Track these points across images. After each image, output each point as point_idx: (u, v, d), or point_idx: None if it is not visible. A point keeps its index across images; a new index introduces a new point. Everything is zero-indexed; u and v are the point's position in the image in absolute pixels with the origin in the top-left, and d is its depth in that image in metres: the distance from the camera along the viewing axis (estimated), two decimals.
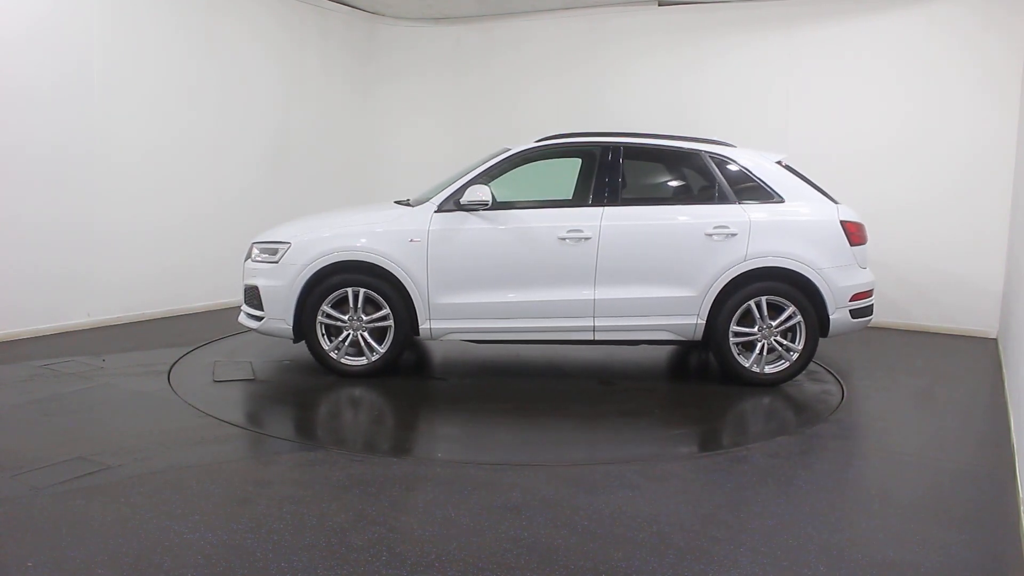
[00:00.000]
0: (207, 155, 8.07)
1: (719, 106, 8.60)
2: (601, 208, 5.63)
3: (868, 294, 5.74)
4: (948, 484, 4.12)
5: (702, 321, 5.58)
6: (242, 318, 5.90)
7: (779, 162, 5.86)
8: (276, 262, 5.68)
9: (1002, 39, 7.45)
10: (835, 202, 5.74)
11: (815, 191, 5.74)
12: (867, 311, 5.76)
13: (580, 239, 5.55)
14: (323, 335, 5.70)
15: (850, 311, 5.62)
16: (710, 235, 5.53)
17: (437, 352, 6.81)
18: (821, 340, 5.67)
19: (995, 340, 7.56)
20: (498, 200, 5.65)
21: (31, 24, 6.46)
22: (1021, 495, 3.80)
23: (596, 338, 5.66)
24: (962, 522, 3.59)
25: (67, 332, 6.82)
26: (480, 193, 5.54)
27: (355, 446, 4.50)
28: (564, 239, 5.56)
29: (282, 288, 5.62)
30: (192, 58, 7.83)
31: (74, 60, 6.79)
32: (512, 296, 5.61)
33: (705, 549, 3.23)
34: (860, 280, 5.67)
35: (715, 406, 5.35)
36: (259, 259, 5.77)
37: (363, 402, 5.57)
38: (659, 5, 8.87)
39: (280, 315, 5.65)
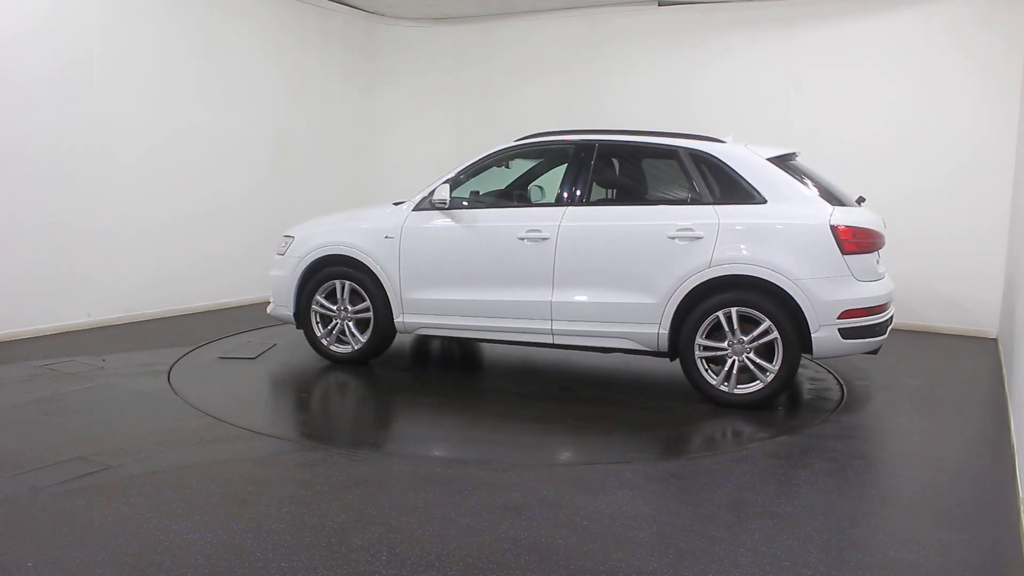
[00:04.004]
0: (207, 155, 8.07)
1: (720, 106, 8.59)
2: (563, 208, 5.49)
3: (867, 312, 5.01)
4: (948, 484, 4.12)
5: (664, 331, 5.18)
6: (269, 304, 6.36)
7: (786, 156, 5.46)
8: (283, 255, 6.18)
9: (1002, 38, 7.45)
10: (838, 203, 5.17)
11: (811, 191, 5.18)
12: (866, 331, 5.04)
13: (539, 239, 5.44)
14: (317, 323, 6.09)
15: (840, 330, 4.94)
16: (673, 238, 5.14)
17: (441, 347, 6.82)
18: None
19: (995, 340, 7.56)
20: (478, 198, 5.87)
21: (31, 23, 6.46)
22: (1021, 495, 3.80)
23: (555, 342, 5.52)
24: (962, 522, 3.59)
25: (67, 332, 6.82)
26: (442, 193, 5.62)
27: (344, 443, 4.50)
28: (523, 239, 5.48)
29: (285, 278, 6.11)
30: (192, 58, 7.83)
31: (74, 60, 6.79)
32: (475, 295, 5.62)
33: (705, 549, 3.23)
34: (854, 295, 4.97)
35: (717, 406, 5.33)
36: (279, 251, 6.26)
37: (358, 400, 5.59)
38: (659, 5, 8.87)
39: (284, 302, 6.13)
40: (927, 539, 3.40)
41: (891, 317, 5.35)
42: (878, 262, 5.32)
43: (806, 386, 5.84)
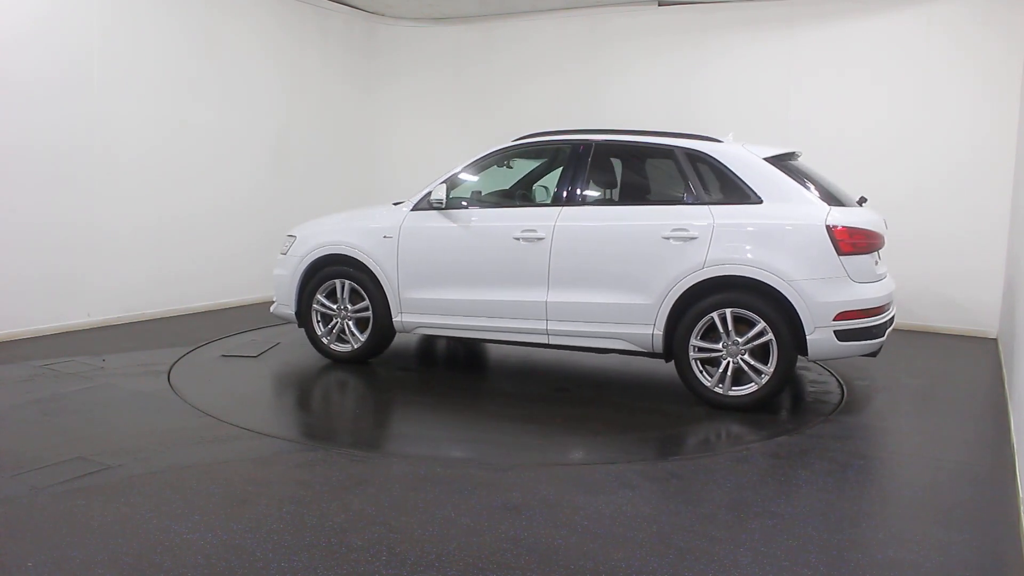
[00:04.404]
0: (207, 155, 8.07)
1: (720, 106, 8.59)
2: (559, 208, 5.47)
3: (864, 314, 4.93)
4: (948, 484, 4.12)
5: (659, 332, 5.13)
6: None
7: (784, 156, 5.40)
8: (285, 254, 6.25)
9: (1002, 38, 7.45)
10: (837, 204, 5.11)
11: (808, 191, 5.10)
12: (863, 334, 4.95)
13: (534, 239, 5.43)
14: (318, 322, 6.13)
15: (835, 332, 4.87)
16: (667, 238, 5.09)
17: (441, 347, 6.82)
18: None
19: (995, 340, 7.56)
20: (476, 198, 5.90)
21: (31, 23, 6.46)
22: (1021, 495, 3.80)
23: (550, 342, 5.51)
24: (962, 522, 3.59)
25: (67, 332, 6.81)
26: (440, 193, 5.66)
27: (344, 443, 4.50)
28: (519, 239, 5.47)
29: (287, 277, 6.17)
30: (192, 58, 7.83)
31: (74, 60, 6.78)
32: (471, 294, 5.63)
33: (705, 549, 3.23)
34: (851, 296, 4.89)
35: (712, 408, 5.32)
36: (281, 251, 6.32)
37: (358, 400, 5.58)
38: (659, 5, 8.87)
39: (286, 301, 6.19)
40: (927, 539, 3.40)
41: (891, 319, 5.29)
42: (877, 263, 5.26)
43: (807, 387, 5.84)
